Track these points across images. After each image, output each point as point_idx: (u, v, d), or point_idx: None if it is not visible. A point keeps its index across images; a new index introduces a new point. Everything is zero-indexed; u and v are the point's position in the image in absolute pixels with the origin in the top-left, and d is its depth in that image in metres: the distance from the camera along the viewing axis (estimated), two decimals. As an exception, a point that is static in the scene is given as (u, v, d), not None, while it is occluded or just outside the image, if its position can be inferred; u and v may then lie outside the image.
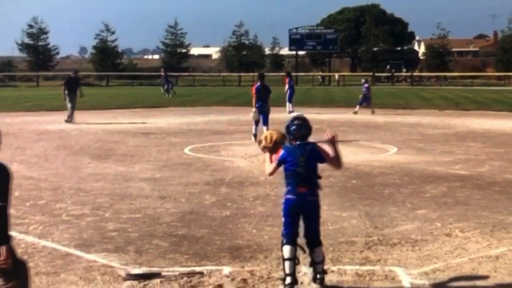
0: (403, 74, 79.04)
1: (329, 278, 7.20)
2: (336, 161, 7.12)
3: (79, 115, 26.80)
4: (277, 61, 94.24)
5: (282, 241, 7.00)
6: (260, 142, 7.44)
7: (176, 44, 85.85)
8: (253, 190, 12.52)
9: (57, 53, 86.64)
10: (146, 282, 7.26)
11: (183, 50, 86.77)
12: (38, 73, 75.18)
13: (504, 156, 17.11)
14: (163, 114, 30.79)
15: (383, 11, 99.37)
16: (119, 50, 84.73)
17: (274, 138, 7.31)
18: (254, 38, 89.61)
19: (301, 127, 7.05)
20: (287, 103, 31.43)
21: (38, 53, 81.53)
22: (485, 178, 13.79)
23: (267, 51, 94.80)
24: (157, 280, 7.31)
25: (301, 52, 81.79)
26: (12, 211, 6.54)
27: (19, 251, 6.78)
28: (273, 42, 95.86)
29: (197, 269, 7.69)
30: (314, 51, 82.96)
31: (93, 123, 25.78)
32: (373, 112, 30.75)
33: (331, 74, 75.86)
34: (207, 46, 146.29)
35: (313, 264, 7.03)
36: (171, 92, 46.74)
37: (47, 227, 9.66)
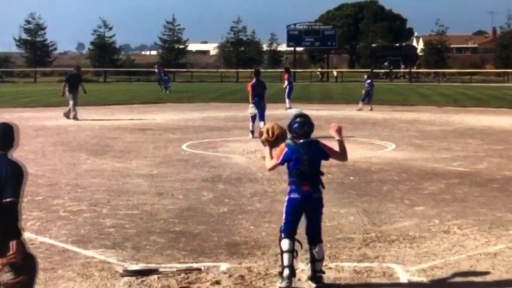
0: (402, 70, 79.03)
1: (327, 275, 7.18)
2: (341, 155, 7.18)
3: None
4: (275, 58, 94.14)
5: (280, 235, 7.02)
6: (261, 134, 7.42)
7: (173, 40, 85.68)
8: (250, 186, 12.50)
9: (55, 49, 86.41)
10: (143, 278, 7.24)
11: (181, 46, 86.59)
12: (35, 69, 74.99)
13: (502, 153, 17.10)
14: (160, 110, 30.75)
15: (381, 7, 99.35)
16: (117, 46, 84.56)
17: (276, 133, 7.29)
18: (252, 34, 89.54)
19: (304, 124, 7.05)
20: (286, 99, 31.41)
21: (35, 49, 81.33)
22: (484, 175, 13.78)
23: (265, 47, 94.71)
24: (155, 277, 7.30)
25: (299, 49, 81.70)
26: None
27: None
28: (271, 38, 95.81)
29: (195, 265, 7.68)
30: (312, 47, 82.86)
31: (91, 119, 25.72)
32: (371, 109, 30.75)
33: (329, 70, 75.81)
34: (205, 42, 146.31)
35: (313, 261, 7.02)
36: (168, 88, 46.64)
37: (45, 223, 9.64)
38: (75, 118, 25.32)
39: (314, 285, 7.00)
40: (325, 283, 7.05)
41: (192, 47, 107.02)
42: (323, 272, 7.08)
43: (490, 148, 18.13)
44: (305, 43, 76.69)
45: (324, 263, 7.22)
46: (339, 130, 7.16)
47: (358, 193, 11.87)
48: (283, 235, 6.98)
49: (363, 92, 32.16)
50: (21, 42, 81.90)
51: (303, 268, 7.36)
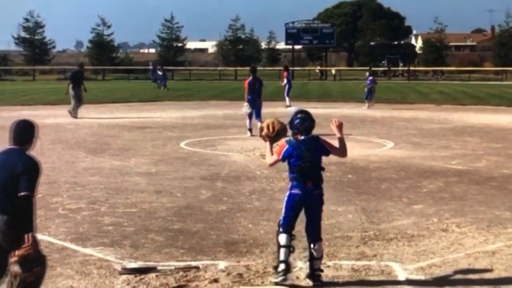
0: (400, 68, 79.02)
1: (325, 273, 7.18)
2: (341, 151, 7.20)
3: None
4: (274, 56, 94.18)
5: (279, 230, 7.04)
6: (261, 130, 7.43)
7: (172, 38, 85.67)
8: (249, 184, 12.50)
9: (53, 47, 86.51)
10: (141, 276, 7.24)
11: (179, 44, 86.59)
12: (34, 67, 74.96)
13: (501, 151, 17.11)
14: (158, 108, 30.74)
15: (380, 5, 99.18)
16: (115, 44, 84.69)
17: (276, 128, 7.31)
18: (250, 32, 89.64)
19: (305, 120, 7.07)
20: (286, 97, 31.40)
21: (34, 47, 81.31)
22: (482, 173, 13.79)
23: (263, 45, 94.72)
24: (153, 275, 7.30)
25: (297, 47, 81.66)
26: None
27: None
28: (269, 36, 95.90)
29: (193, 263, 7.68)
30: (311, 46, 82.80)
31: (89, 117, 25.70)
32: (369, 107, 30.76)
33: (328, 68, 75.79)
34: (203, 40, 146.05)
35: (311, 259, 7.03)
36: (165, 87, 46.58)
37: (43, 221, 9.63)
38: (71, 114, 25.27)
39: (312, 283, 7.00)
40: (324, 281, 7.05)
41: (191, 45, 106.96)
42: (322, 271, 7.09)
43: (489, 146, 18.14)
44: (304, 41, 76.59)
45: (322, 261, 7.22)
46: (340, 126, 7.17)
47: (357, 191, 11.87)
48: (281, 230, 7.02)
49: (366, 90, 32.16)
50: (19, 40, 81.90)
51: (301, 266, 7.36)
